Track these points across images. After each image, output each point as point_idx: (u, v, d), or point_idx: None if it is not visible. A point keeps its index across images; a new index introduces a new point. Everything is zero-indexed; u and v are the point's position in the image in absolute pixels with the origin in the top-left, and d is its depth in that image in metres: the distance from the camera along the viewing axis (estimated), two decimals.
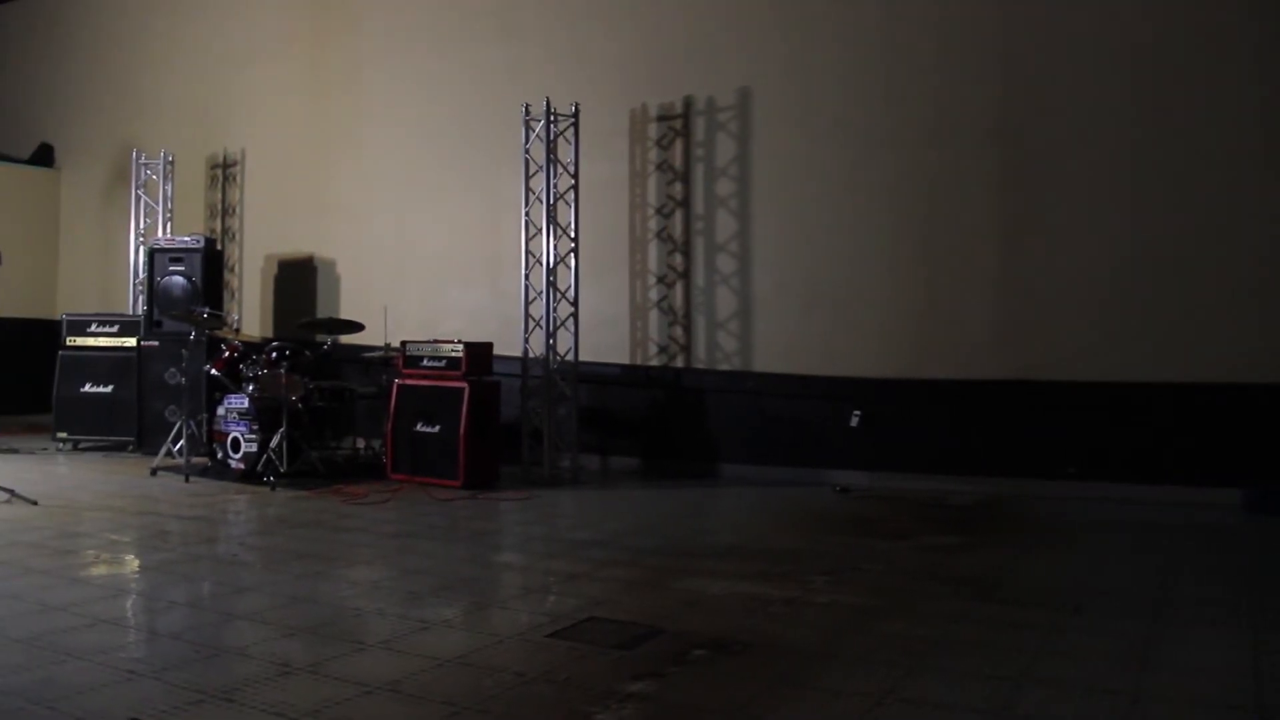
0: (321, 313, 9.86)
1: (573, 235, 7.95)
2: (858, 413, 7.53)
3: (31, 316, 11.59)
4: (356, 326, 8.22)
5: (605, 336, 8.35)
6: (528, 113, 7.96)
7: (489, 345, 7.66)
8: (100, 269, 11.62)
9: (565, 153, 7.97)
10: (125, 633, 3.84)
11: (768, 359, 7.88)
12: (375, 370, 8.60)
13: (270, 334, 10.11)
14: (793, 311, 7.80)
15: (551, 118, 7.87)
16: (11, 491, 6.35)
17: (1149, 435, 6.69)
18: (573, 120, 7.96)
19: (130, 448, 9.02)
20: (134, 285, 10.34)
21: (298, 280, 10.29)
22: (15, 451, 8.93)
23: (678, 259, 8.29)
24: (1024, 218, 7.11)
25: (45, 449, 9.10)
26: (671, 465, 8.11)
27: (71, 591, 4.36)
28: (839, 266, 7.65)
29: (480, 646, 3.61)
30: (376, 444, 8.27)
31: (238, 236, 10.73)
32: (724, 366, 8.06)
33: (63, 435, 9.14)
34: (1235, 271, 6.52)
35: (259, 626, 3.86)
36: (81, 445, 9.19)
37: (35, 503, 6.34)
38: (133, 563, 4.97)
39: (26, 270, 11.39)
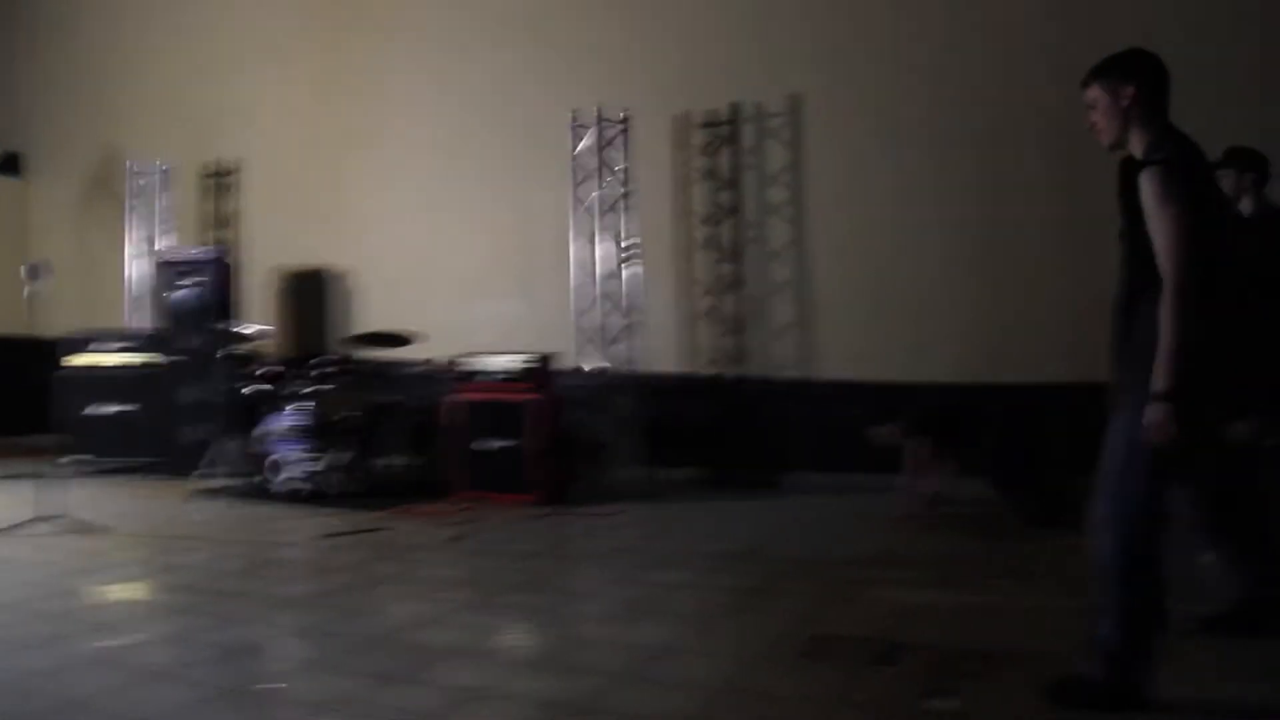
0: (336, 326, 9.49)
1: (624, 244, 7.85)
2: None
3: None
4: (403, 340, 7.93)
5: (655, 345, 8.24)
6: (575, 119, 7.84)
7: (552, 356, 7.51)
8: (80, 283, 10.91)
9: (612, 160, 7.86)
10: (351, 682, 3.60)
11: (830, 365, 7.89)
12: (411, 384, 8.32)
13: (279, 349, 9.70)
14: (855, 318, 7.81)
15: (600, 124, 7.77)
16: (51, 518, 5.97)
17: None
18: (622, 127, 7.87)
19: (152, 470, 8.52)
20: (128, 299, 9.81)
21: (307, 293, 9.88)
22: (39, 476, 8.33)
23: (726, 268, 8.25)
24: (1089, 213, 7.24)
25: (55, 473, 8.49)
26: (734, 474, 8.00)
27: (254, 632, 4.11)
28: (902, 272, 7.70)
29: (736, 672, 3.52)
30: (408, 460, 7.96)
31: (236, 248, 10.26)
32: (785, 374, 8.04)
33: (78, 458, 8.59)
34: None
35: (484, 664, 3.66)
36: (98, 468, 8.65)
37: (108, 529, 5.98)
38: (287, 600, 4.67)
39: None
